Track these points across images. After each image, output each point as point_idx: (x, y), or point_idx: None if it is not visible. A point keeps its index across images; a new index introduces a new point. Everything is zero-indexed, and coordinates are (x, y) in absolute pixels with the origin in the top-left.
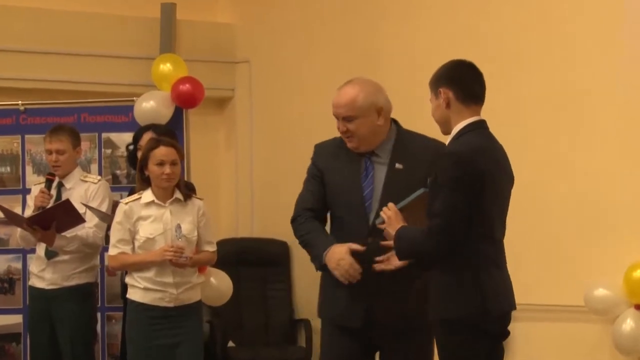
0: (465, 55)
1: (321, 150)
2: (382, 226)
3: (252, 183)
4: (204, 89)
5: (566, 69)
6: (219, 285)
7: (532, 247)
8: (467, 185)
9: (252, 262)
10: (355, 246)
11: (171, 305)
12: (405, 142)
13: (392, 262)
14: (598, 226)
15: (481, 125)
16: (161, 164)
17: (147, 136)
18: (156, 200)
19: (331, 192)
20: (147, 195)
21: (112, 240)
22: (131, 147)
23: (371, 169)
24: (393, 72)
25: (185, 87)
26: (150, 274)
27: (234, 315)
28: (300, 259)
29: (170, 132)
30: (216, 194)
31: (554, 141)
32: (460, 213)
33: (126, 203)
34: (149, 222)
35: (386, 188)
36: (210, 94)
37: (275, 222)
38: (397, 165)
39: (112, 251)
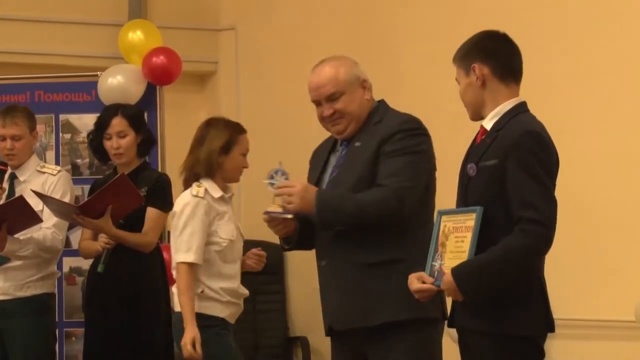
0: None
1: (313, 155)
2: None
3: None
4: (182, 62)
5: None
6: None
7: (573, 253)
8: (554, 171)
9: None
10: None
11: (233, 322)
12: (376, 117)
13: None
14: None
15: (526, 107)
16: (245, 154)
17: (117, 122)
18: (225, 195)
19: None
20: (212, 187)
21: (191, 243)
22: (92, 136)
23: (345, 156)
24: (403, 40)
25: (159, 59)
26: (234, 284)
27: None
28: (296, 265)
29: (139, 112)
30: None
31: (600, 137)
32: (555, 202)
33: (202, 196)
34: (225, 220)
35: (339, 170)
36: (188, 67)
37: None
38: (357, 144)
39: (188, 257)
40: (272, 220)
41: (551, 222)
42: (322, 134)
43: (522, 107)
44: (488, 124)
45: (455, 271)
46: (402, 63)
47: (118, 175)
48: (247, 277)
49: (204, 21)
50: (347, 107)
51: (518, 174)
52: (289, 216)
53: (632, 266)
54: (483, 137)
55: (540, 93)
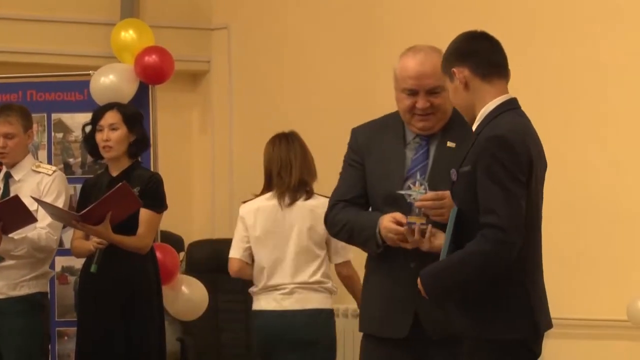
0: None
1: (360, 133)
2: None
3: (232, 173)
4: (174, 61)
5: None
6: (192, 295)
7: (565, 254)
8: (521, 174)
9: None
10: (399, 216)
11: None
12: (461, 117)
13: (433, 241)
14: None
15: (513, 105)
16: None
17: (110, 115)
18: None
19: (370, 182)
20: None
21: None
22: (88, 128)
23: (426, 153)
24: (397, 39)
25: (152, 58)
26: None
27: (209, 332)
28: None
29: (137, 112)
30: (188, 187)
31: (597, 137)
32: (520, 206)
33: None
34: None
35: (433, 170)
36: (181, 66)
37: None
38: (449, 144)
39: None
40: (411, 233)
41: (512, 227)
42: (315, 135)
43: (505, 106)
44: (475, 128)
45: (422, 272)
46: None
47: (119, 185)
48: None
49: (196, 20)
50: (444, 103)
51: (483, 180)
52: (429, 227)
53: (624, 266)
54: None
55: (541, 89)
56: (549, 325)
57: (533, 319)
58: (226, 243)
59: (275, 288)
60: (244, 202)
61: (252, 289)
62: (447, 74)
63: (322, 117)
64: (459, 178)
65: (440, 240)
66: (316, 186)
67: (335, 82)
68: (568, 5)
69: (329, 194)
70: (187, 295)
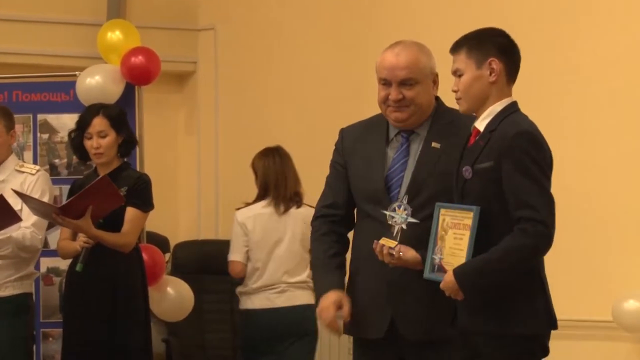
0: (475, 22)
1: (347, 133)
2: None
3: (218, 174)
4: (160, 62)
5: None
6: (177, 296)
7: (550, 254)
8: (549, 169)
9: (217, 269)
10: (345, 307)
11: None
12: (446, 116)
13: (402, 257)
14: (628, 230)
15: (517, 107)
16: None
17: (97, 122)
18: None
19: (353, 182)
20: None
21: None
22: (74, 134)
23: (406, 151)
24: (386, 39)
25: (138, 59)
26: None
27: (195, 333)
28: None
29: (121, 113)
30: (174, 188)
31: (578, 137)
32: (553, 201)
33: None
34: None
35: (416, 170)
36: (167, 67)
37: None
38: (434, 144)
39: None
40: (381, 253)
41: (550, 221)
42: (300, 135)
43: (513, 107)
44: (480, 124)
45: (458, 271)
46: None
47: (100, 177)
48: (224, 277)
49: (183, 21)
50: (417, 97)
51: (514, 175)
52: (397, 248)
53: (609, 267)
54: (476, 138)
55: (535, 92)
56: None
57: (550, 314)
58: (212, 244)
59: (269, 287)
60: (238, 208)
61: (241, 289)
62: (473, 58)
63: (309, 118)
64: (474, 175)
65: (411, 253)
66: (306, 189)
67: (322, 84)
68: (543, 9)
69: (316, 194)
70: (173, 296)
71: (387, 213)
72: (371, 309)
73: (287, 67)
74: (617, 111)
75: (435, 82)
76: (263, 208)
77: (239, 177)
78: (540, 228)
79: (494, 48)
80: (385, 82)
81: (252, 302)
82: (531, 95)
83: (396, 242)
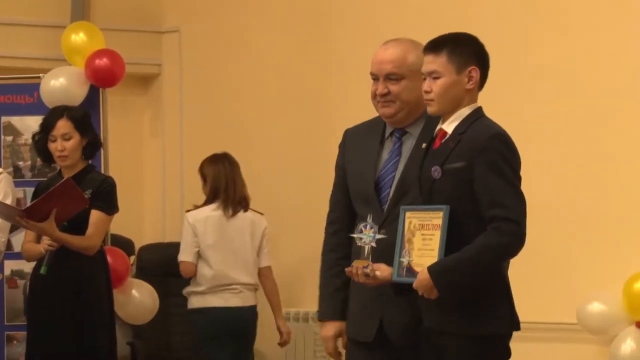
0: (439, 24)
1: (349, 134)
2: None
3: (183, 177)
4: (125, 64)
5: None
6: (142, 299)
7: (516, 256)
8: (519, 169)
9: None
10: (344, 338)
11: None
12: (439, 117)
13: (378, 277)
14: (593, 231)
15: (483, 113)
16: None
17: (62, 125)
18: None
19: (349, 184)
20: None
21: None
22: (37, 137)
23: (398, 151)
24: (350, 41)
25: (102, 61)
26: None
27: (160, 336)
28: None
29: (85, 115)
30: (139, 190)
31: (540, 140)
32: (525, 201)
33: None
34: None
35: (405, 171)
36: (132, 69)
37: None
38: (424, 145)
39: None
40: (356, 275)
41: (523, 221)
42: (266, 138)
43: (480, 112)
44: (449, 127)
45: (432, 269)
46: (350, 63)
47: (64, 179)
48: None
49: (147, 23)
50: (402, 92)
51: (488, 175)
52: (370, 267)
53: (574, 269)
54: (444, 140)
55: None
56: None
57: (513, 314)
58: (177, 247)
59: (224, 288)
60: (188, 210)
61: (193, 289)
62: (454, 63)
63: (274, 121)
64: (444, 174)
65: (385, 272)
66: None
67: (288, 87)
68: (516, 12)
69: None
70: (138, 299)
71: (355, 236)
72: (362, 313)
73: (252, 69)
74: (581, 114)
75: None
76: (213, 211)
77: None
78: (514, 227)
79: (474, 56)
80: (374, 77)
81: (207, 301)
82: (493, 98)
83: (368, 261)
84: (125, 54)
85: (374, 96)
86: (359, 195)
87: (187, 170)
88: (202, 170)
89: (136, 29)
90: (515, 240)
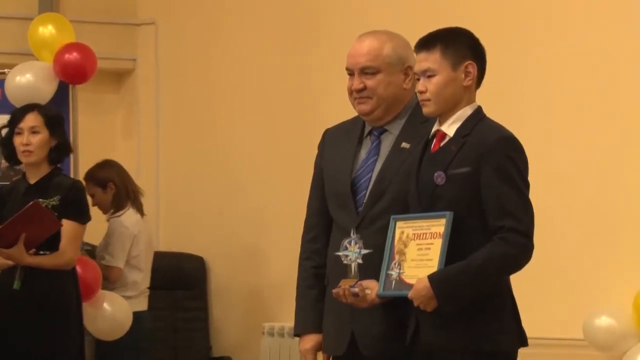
0: (431, 20)
1: (329, 133)
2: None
3: (158, 181)
4: (96, 59)
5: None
6: (115, 313)
7: (522, 271)
8: (527, 176)
9: (158, 283)
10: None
11: None
12: (422, 116)
13: (368, 298)
14: (600, 241)
15: (484, 113)
16: None
17: (31, 118)
18: None
19: (325, 186)
20: None
21: None
22: (5, 131)
23: (376, 151)
24: (334, 34)
25: (72, 56)
26: None
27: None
28: (220, 279)
29: (59, 115)
30: None
31: (545, 145)
32: (533, 211)
33: None
34: None
35: (382, 173)
36: (104, 65)
37: (188, 232)
38: (404, 145)
39: None
40: (344, 297)
41: (531, 232)
42: (246, 136)
43: (481, 112)
44: (449, 129)
45: (433, 277)
46: (334, 56)
47: (30, 203)
48: (165, 292)
49: (121, 15)
50: (378, 87)
51: (496, 181)
52: (358, 287)
53: (580, 281)
54: (444, 143)
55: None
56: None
57: (520, 329)
58: (156, 256)
59: (147, 290)
60: (114, 216)
61: (132, 293)
62: (449, 59)
63: (253, 118)
64: (449, 180)
65: (374, 290)
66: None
67: (267, 81)
68: (512, 8)
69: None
70: (110, 312)
71: (340, 254)
72: (334, 326)
73: (233, 64)
74: (587, 118)
75: (406, 73)
76: (135, 214)
77: (181, 184)
78: (523, 239)
79: (469, 50)
80: (349, 72)
81: (142, 304)
82: (492, 99)
83: (356, 280)
84: (97, 48)
85: (350, 92)
86: (334, 197)
87: (163, 174)
88: (98, 176)
89: (109, 21)
90: (523, 253)
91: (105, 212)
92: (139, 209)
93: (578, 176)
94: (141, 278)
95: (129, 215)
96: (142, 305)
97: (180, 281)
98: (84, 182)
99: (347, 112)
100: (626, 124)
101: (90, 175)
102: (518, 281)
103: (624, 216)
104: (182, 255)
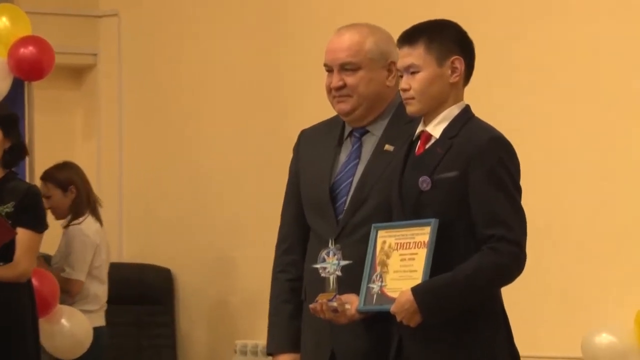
0: (413, 16)
1: (305, 135)
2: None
3: (121, 186)
4: (54, 54)
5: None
6: (74, 329)
7: (518, 288)
8: (519, 180)
9: (121, 297)
10: None
11: None
12: (406, 115)
13: (348, 313)
14: (600, 254)
15: (473, 113)
16: None
17: None
18: None
19: (302, 193)
20: None
21: None
22: None
23: (357, 154)
24: (309, 30)
25: (28, 50)
26: None
27: None
28: (188, 292)
29: (13, 115)
30: None
31: (543, 148)
32: (525, 218)
33: None
34: None
35: (364, 178)
36: (63, 60)
37: (153, 242)
38: (387, 147)
39: None
40: (322, 312)
41: (524, 242)
42: (215, 135)
43: (470, 111)
44: (435, 130)
45: (417, 290)
46: (310, 51)
47: None
48: (128, 307)
49: (81, 6)
50: (359, 84)
51: (486, 187)
52: (337, 301)
53: (579, 295)
54: (430, 145)
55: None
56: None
57: (511, 347)
58: (115, 268)
59: (106, 304)
60: (73, 223)
61: (94, 307)
62: (434, 54)
63: (225, 117)
64: (435, 186)
65: (354, 305)
66: (232, 190)
67: (240, 76)
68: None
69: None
70: (68, 329)
71: (317, 266)
72: (313, 343)
73: (202, 58)
74: (590, 124)
75: (390, 70)
76: (95, 222)
77: (146, 189)
78: (514, 249)
79: (455, 44)
80: (328, 69)
81: (101, 319)
82: (481, 98)
83: (334, 293)
84: (55, 42)
85: (329, 90)
86: (311, 204)
87: (126, 178)
88: (58, 177)
89: (68, 12)
90: (514, 263)
91: (60, 217)
92: (98, 217)
93: (577, 188)
94: (102, 291)
95: (89, 223)
96: (101, 320)
97: (144, 295)
98: (40, 183)
99: (326, 111)
100: (633, 134)
101: (50, 175)
102: (511, 295)
103: (625, 230)
104: (147, 267)
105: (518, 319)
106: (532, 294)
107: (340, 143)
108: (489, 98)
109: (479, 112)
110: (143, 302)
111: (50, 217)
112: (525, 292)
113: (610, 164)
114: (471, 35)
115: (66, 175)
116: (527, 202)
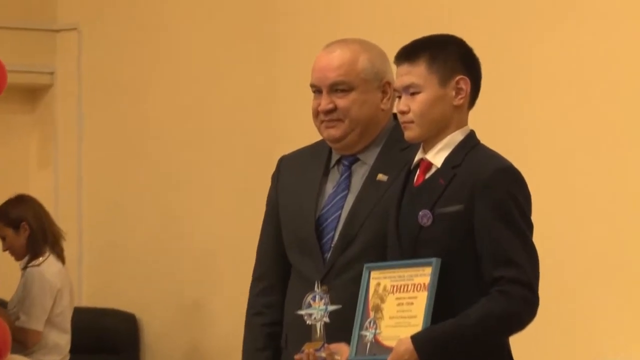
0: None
1: (286, 162)
2: None
3: (81, 220)
4: (6, 72)
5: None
6: None
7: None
8: (529, 215)
9: (80, 346)
10: None
11: None
12: (403, 141)
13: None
14: (614, 277)
15: (478, 139)
16: None
17: None
18: None
19: (282, 227)
20: None
21: None
22: None
23: (346, 184)
24: (297, 40)
25: None
26: None
27: None
28: (154, 340)
29: None
30: None
31: (546, 167)
32: (537, 257)
33: None
34: None
35: (354, 211)
36: (16, 79)
37: (116, 283)
38: (380, 177)
39: None
40: None
41: (536, 283)
42: (188, 167)
43: (475, 138)
44: (436, 158)
45: (417, 338)
46: (297, 68)
47: None
48: (88, 357)
49: (36, 19)
50: (352, 108)
51: (494, 222)
52: (337, 357)
53: (592, 322)
54: (430, 175)
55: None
56: None
57: None
58: (74, 313)
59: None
60: (31, 265)
61: (55, 358)
62: (436, 73)
63: (196, 142)
64: (436, 221)
65: (344, 355)
66: (207, 224)
67: (210, 95)
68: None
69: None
70: None
71: (303, 313)
72: None
73: (170, 77)
74: (604, 145)
75: (384, 91)
76: (56, 262)
77: (108, 224)
78: (526, 293)
79: (460, 62)
80: (315, 89)
81: None
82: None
83: (321, 342)
84: (8, 59)
85: (316, 114)
86: (294, 240)
87: (86, 211)
88: (9, 215)
89: (21, 26)
90: (526, 309)
91: (19, 258)
92: (60, 256)
93: (593, 201)
94: (65, 340)
95: (49, 264)
96: None
97: (106, 343)
98: None
99: (312, 135)
100: None
101: (2, 213)
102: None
103: (637, 259)
104: (109, 312)
105: (532, 341)
106: (540, 320)
107: (326, 172)
108: (498, 121)
109: (489, 132)
110: (104, 350)
111: (8, 259)
112: (541, 315)
113: (624, 195)
114: (479, 50)
115: (18, 213)
116: (540, 226)
